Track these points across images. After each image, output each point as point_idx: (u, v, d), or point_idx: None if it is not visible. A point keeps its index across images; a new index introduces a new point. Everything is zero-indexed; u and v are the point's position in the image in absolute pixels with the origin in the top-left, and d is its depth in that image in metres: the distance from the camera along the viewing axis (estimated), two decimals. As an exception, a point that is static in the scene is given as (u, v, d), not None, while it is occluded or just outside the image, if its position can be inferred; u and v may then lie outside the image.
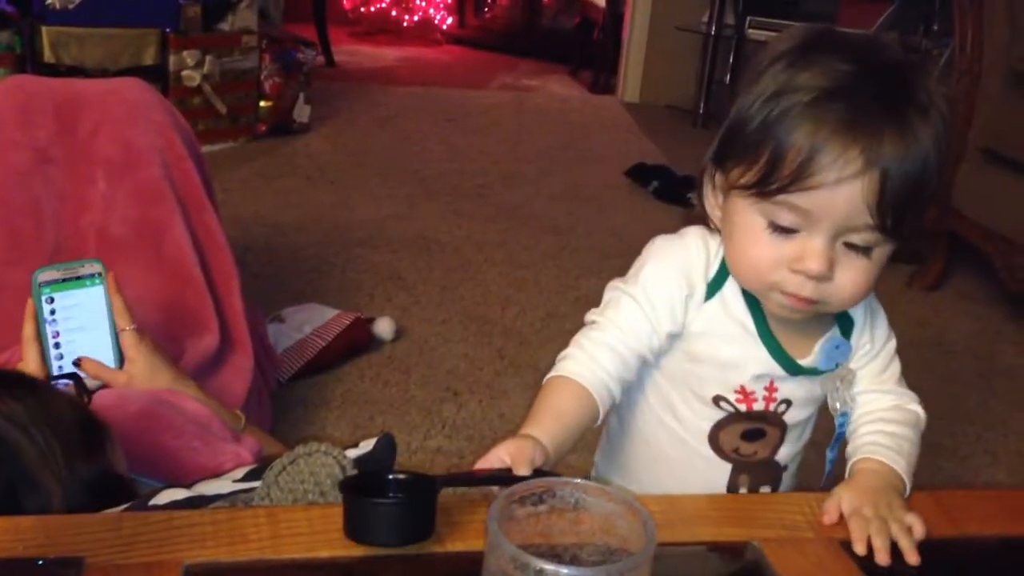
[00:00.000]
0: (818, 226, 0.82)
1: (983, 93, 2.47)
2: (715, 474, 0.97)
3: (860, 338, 0.98)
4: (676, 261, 0.94)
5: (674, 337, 0.93)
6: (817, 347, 0.94)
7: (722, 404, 0.94)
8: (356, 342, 2.01)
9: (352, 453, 0.86)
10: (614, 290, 0.95)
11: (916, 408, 0.98)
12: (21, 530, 0.71)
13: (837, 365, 0.96)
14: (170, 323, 1.42)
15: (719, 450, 0.97)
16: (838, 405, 0.97)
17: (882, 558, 0.76)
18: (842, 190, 0.79)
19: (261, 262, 2.42)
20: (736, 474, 0.98)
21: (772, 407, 0.95)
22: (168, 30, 3.16)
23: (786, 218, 0.82)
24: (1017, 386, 2.18)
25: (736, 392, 0.94)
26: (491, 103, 4.65)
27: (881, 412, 0.97)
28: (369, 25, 6.47)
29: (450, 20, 6.56)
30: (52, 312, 1.16)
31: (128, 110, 1.53)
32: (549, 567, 0.54)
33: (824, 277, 0.84)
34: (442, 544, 0.72)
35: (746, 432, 0.96)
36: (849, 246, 0.83)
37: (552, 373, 0.90)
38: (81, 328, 1.17)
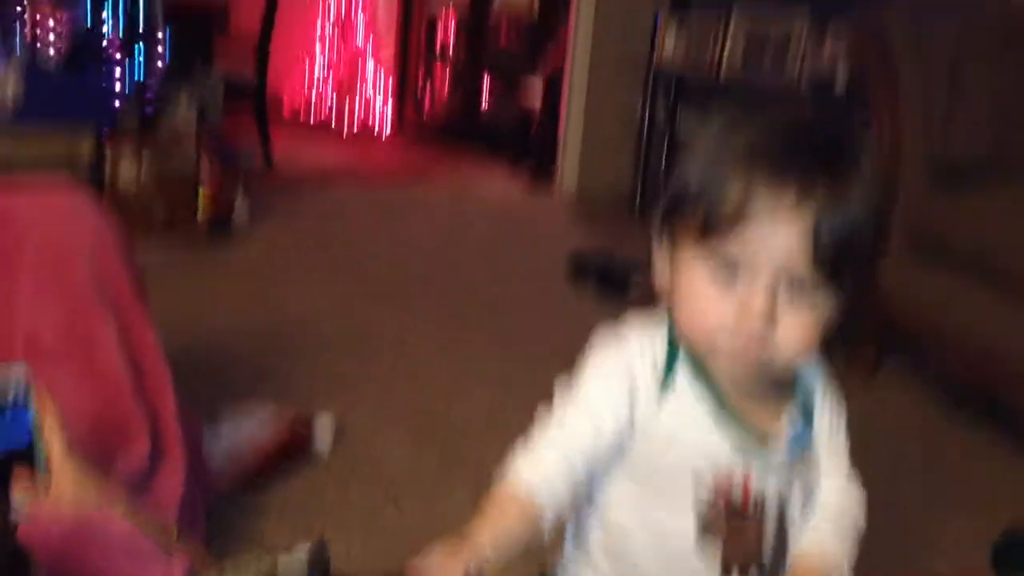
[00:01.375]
0: (758, 269, 0.85)
1: (904, 182, 2.55)
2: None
3: (821, 424, 0.99)
4: (616, 360, 0.94)
5: (625, 436, 0.93)
6: (786, 427, 0.95)
7: (698, 497, 0.93)
8: (295, 445, 1.97)
9: (284, 559, 0.84)
10: (558, 392, 0.95)
11: (860, 494, 0.99)
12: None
13: (803, 450, 0.97)
14: (100, 433, 1.39)
15: (703, 550, 0.95)
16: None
17: None
18: (778, 231, 0.83)
19: (197, 365, 2.37)
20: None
21: (751, 497, 0.94)
22: (105, 129, 3.16)
23: (728, 264, 0.86)
24: (957, 474, 2.20)
25: (710, 482, 0.93)
26: (431, 198, 4.70)
27: (826, 498, 0.98)
28: (309, 126, 6.54)
29: (390, 118, 6.66)
30: None
31: (59, 212, 1.51)
32: None
33: (769, 320, 0.85)
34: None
35: (729, 526, 0.94)
36: (791, 291, 0.86)
37: (499, 476, 0.89)
38: (6, 442, 1.13)
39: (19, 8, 3.12)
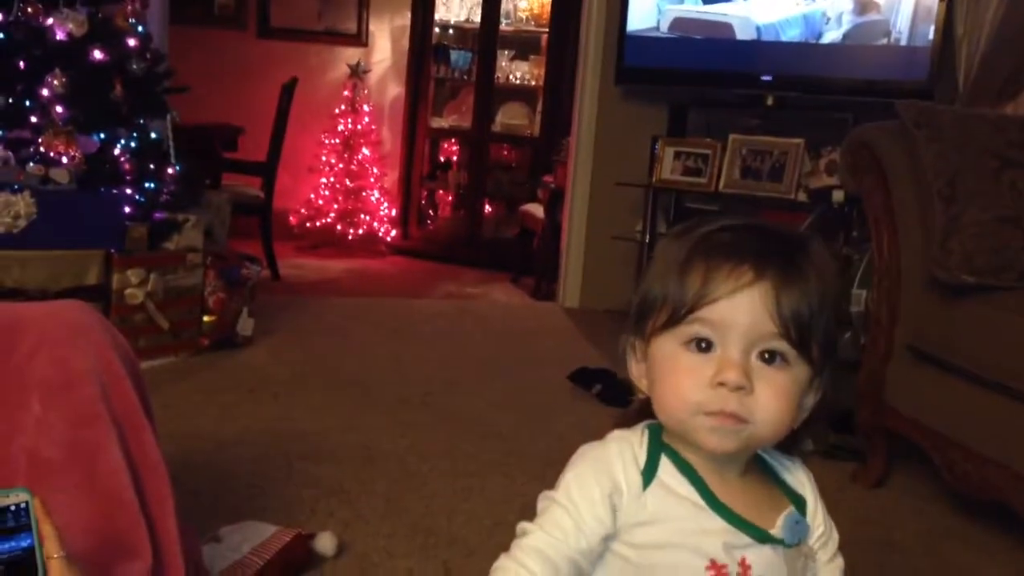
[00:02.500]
0: (728, 338, 0.89)
1: (904, 294, 2.58)
2: None
3: (815, 519, 1.00)
4: (596, 462, 0.96)
5: (609, 538, 0.93)
6: (781, 519, 0.95)
7: None
8: (296, 560, 1.95)
9: None
10: (543, 499, 0.96)
11: None
12: None
13: (800, 541, 0.97)
14: (101, 548, 1.38)
15: None
16: None
17: None
18: (741, 299, 0.89)
19: (199, 479, 2.36)
20: None
21: None
22: (113, 250, 3.21)
23: (698, 337, 0.91)
24: (967, 583, 2.17)
25: (708, 570, 0.92)
26: (435, 311, 4.73)
27: None
28: (314, 239, 6.64)
29: (394, 232, 6.76)
30: None
31: (67, 332, 1.53)
32: None
33: (744, 389, 0.88)
34: None
35: None
36: (764, 360, 0.90)
37: None
38: (7, 562, 1.12)
39: (33, 130, 3.20)
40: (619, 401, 3.19)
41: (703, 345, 0.90)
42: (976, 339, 2.32)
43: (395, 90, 7.09)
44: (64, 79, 3.16)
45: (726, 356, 0.89)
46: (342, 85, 6.82)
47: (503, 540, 2.15)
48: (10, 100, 3.16)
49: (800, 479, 1.03)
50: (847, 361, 2.91)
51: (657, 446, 0.96)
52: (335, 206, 6.66)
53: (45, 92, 3.17)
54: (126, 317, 3.18)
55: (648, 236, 4.57)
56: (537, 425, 3.04)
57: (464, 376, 3.57)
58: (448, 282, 5.75)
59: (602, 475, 0.94)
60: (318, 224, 6.66)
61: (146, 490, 1.49)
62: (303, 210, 6.70)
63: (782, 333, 0.89)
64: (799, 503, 0.99)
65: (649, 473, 0.94)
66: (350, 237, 6.63)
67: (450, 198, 6.84)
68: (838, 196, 3.71)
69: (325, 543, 2.03)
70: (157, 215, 3.39)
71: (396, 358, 3.76)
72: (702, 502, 0.93)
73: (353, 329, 4.18)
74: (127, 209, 3.27)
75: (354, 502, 2.34)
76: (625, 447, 0.96)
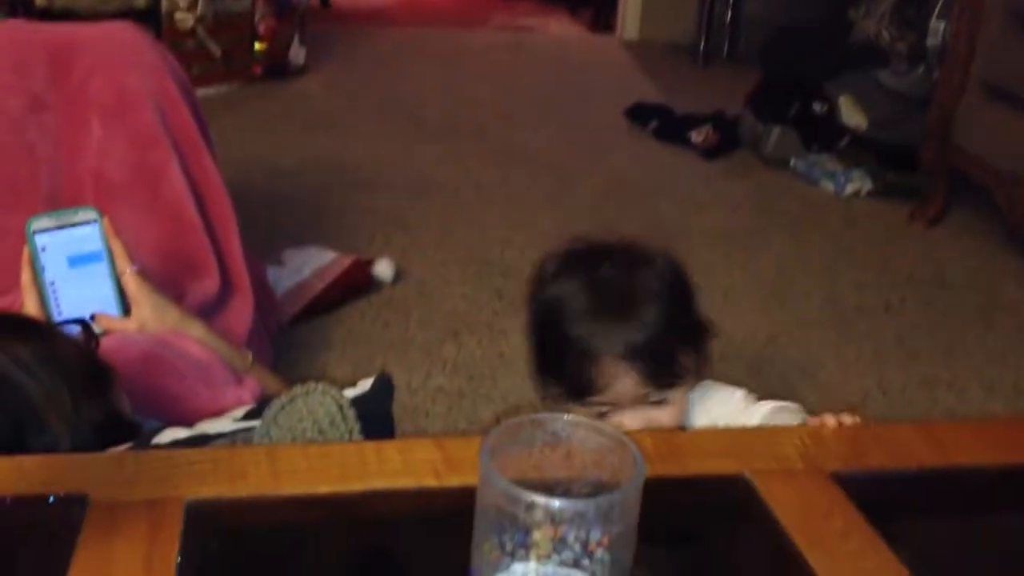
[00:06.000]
0: (621, 407, 1.06)
1: (983, 28, 2.45)
2: None
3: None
4: None
5: None
6: None
7: None
8: (356, 284, 2.02)
9: (349, 393, 0.87)
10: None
11: None
12: (25, 469, 0.72)
13: None
14: (169, 267, 1.43)
15: None
16: None
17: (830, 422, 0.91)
18: (620, 386, 1.05)
19: (259, 206, 2.41)
20: None
21: None
22: (161, -28, 3.12)
23: (601, 410, 1.07)
24: (1016, 321, 2.19)
25: None
26: (489, 43, 4.60)
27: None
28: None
29: (448, -42, 6.46)
30: (48, 259, 1.16)
31: (121, 54, 1.52)
32: (540, 499, 0.55)
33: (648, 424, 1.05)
34: (439, 479, 0.73)
35: None
36: (651, 404, 1.07)
37: None
38: (79, 274, 1.17)
39: None
40: (676, 137, 3.14)
41: (603, 414, 1.07)
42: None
43: None
44: None
45: (624, 420, 1.06)
46: None
47: (556, 270, 2.21)
48: None
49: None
50: (918, 97, 2.81)
51: None
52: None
53: None
54: (178, 43, 3.13)
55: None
56: (591, 160, 3.02)
57: (519, 110, 3.52)
58: (503, 12, 5.55)
59: None
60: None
61: (209, 213, 1.52)
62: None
63: (655, 388, 1.05)
64: None
65: None
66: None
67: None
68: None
69: (384, 269, 2.10)
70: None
71: (450, 90, 3.70)
72: None
73: (406, 61, 4.10)
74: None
75: (410, 230, 2.39)
76: None
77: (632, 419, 1.06)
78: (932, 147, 2.60)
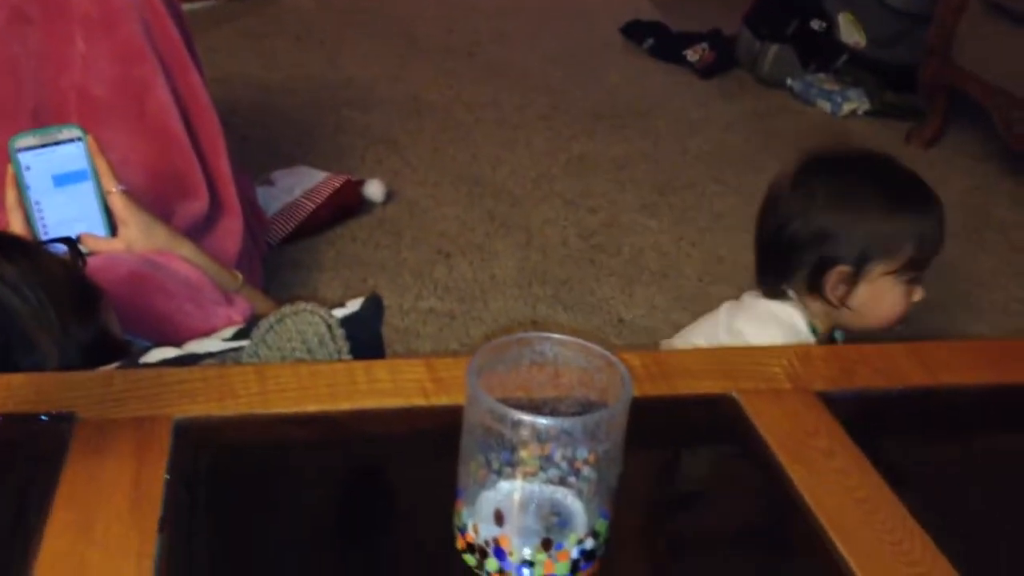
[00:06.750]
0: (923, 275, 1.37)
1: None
2: None
3: None
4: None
5: None
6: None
7: None
8: (347, 204, 2.01)
9: (339, 312, 0.86)
10: None
11: None
12: (12, 387, 0.72)
13: None
14: (156, 186, 1.42)
15: None
16: None
17: None
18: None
19: (248, 124, 2.39)
20: None
21: None
22: None
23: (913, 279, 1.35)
24: (1008, 241, 2.19)
25: None
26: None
27: None
28: None
29: None
30: (32, 179, 1.15)
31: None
32: (526, 417, 0.55)
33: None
34: (427, 398, 0.74)
35: None
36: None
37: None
38: (65, 193, 1.16)
39: None
40: (671, 56, 3.09)
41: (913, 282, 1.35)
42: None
43: None
44: None
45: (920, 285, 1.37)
46: None
47: (546, 191, 2.20)
48: None
49: None
50: (918, 14, 2.76)
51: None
52: None
53: None
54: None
55: None
56: (586, 79, 2.97)
57: (512, 27, 3.46)
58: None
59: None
60: None
61: (197, 131, 1.50)
62: None
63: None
64: None
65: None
66: None
67: None
68: None
69: (375, 189, 2.08)
70: None
71: (442, 6, 3.63)
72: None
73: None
74: None
75: (402, 151, 2.36)
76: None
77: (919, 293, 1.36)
78: (932, 65, 2.57)
